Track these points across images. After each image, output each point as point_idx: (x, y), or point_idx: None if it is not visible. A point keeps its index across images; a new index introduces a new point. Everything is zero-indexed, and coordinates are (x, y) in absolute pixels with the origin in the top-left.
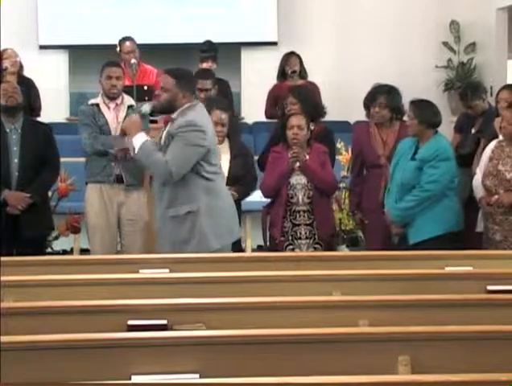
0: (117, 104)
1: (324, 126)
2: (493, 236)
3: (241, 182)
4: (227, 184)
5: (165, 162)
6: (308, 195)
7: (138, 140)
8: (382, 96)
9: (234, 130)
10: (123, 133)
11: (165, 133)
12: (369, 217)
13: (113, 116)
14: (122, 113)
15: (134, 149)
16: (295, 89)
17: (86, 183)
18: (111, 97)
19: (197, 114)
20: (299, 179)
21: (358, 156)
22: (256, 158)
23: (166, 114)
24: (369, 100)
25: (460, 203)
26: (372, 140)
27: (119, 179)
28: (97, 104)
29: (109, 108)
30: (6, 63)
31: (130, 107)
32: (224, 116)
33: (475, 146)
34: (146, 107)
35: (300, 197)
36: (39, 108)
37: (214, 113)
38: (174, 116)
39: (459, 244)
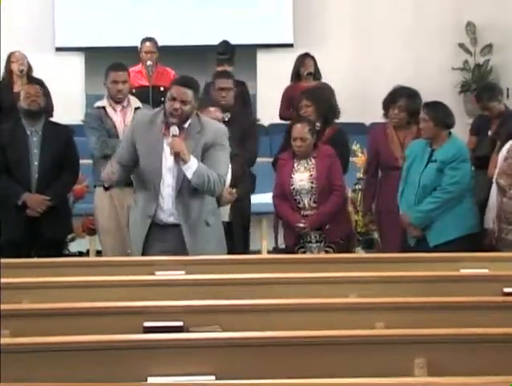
0: (123, 107)
1: (337, 128)
2: (506, 236)
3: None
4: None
5: (219, 176)
6: (314, 200)
7: (193, 163)
8: (402, 99)
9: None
10: (176, 158)
11: (192, 142)
12: (385, 219)
13: (120, 119)
14: (129, 116)
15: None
16: (308, 92)
17: (94, 186)
18: (117, 101)
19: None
20: (302, 185)
21: (374, 157)
22: (271, 159)
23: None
24: (389, 101)
25: (476, 205)
26: (389, 141)
27: (128, 183)
28: (104, 107)
29: (115, 111)
30: (15, 66)
31: (136, 109)
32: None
33: (491, 148)
34: (174, 128)
35: (306, 202)
36: (51, 109)
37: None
38: (190, 126)
39: (476, 245)
